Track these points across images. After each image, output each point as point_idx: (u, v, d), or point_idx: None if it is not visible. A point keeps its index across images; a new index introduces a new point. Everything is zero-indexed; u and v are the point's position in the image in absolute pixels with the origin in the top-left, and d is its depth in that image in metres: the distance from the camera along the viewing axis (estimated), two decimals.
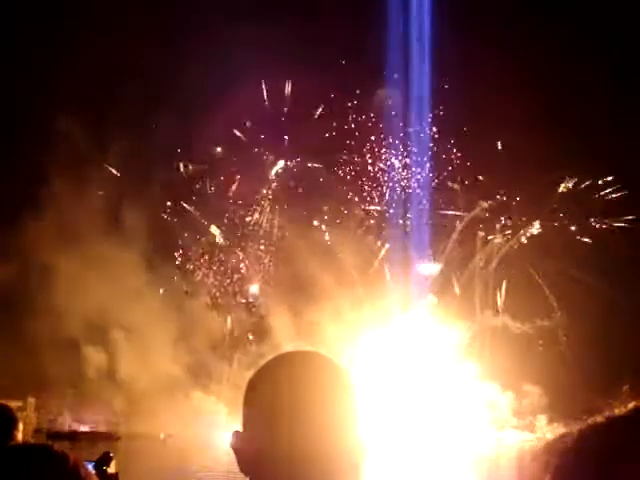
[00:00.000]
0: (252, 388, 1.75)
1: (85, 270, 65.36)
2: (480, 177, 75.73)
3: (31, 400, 64.45)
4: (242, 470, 1.72)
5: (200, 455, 49.65)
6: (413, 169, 77.28)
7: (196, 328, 70.39)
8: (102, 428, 62.76)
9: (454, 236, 76.95)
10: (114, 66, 67.31)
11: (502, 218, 76.62)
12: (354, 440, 1.70)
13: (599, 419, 1.45)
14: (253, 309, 75.56)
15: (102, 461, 8.32)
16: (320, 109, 76.05)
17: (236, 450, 1.72)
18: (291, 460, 1.64)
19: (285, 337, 70.64)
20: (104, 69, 67.59)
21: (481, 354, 73.53)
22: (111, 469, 9.31)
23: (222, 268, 76.54)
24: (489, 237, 77.14)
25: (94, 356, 66.69)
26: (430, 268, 76.04)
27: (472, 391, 70.64)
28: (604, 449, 1.40)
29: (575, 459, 1.42)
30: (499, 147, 74.98)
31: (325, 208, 76.02)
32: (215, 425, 65.16)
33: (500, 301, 76.01)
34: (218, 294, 75.46)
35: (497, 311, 75.42)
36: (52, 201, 66.63)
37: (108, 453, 9.26)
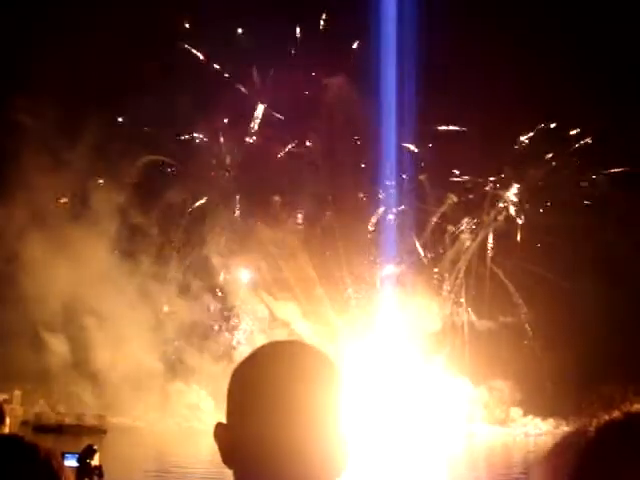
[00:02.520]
0: (235, 379, 1.72)
1: (57, 259, 64.72)
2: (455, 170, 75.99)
3: (17, 393, 64.16)
4: (225, 462, 1.69)
5: (183, 447, 49.64)
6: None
7: (167, 317, 69.69)
8: (88, 421, 62.47)
9: (426, 233, 77.38)
10: (85, 47, 66.72)
11: (465, 219, 77.04)
12: (340, 431, 1.67)
13: (616, 415, 1.34)
14: (222, 296, 75.02)
15: (85, 454, 8.54)
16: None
17: (219, 442, 1.69)
18: (276, 452, 1.61)
19: (257, 326, 70.80)
20: (75, 50, 66.86)
21: (451, 349, 73.98)
22: (95, 461, 9.51)
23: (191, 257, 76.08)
24: (458, 232, 77.53)
25: (69, 347, 66.27)
26: (392, 268, 76.04)
27: (443, 386, 70.61)
28: (629, 447, 1.30)
29: (597, 458, 1.30)
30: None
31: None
32: (197, 416, 65.13)
33: (464, 298, 76.47)
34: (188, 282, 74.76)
35: (461, 308, 76.00)
36: (20, 187, 65.92)
37: (91, 446, 9.46)
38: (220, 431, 1.70)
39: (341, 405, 1.68)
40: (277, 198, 75.66)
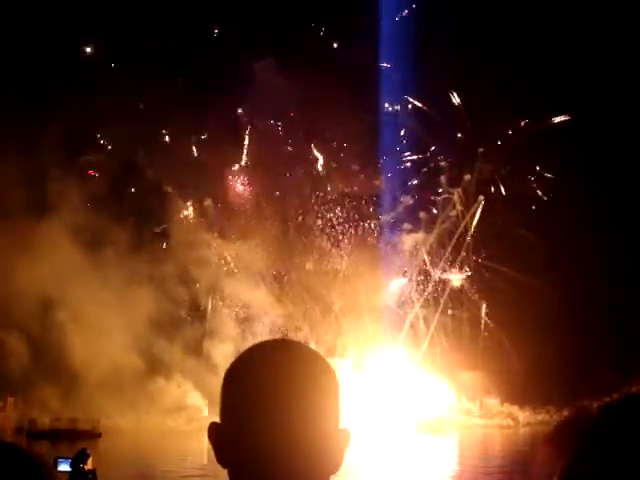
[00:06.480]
0: (229, 378, 1.72)
1: (28, 255, 64.12)
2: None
3: (11, 399, 64.14)
4: (220, 463, 1.70)
5: (169, 446, 49.71)
6: None
7: (138, 310, 68.92)
8: (82, 425, 62.45)
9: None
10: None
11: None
12: (335, 429, 1.70)
13: (616, 396, 1.39)
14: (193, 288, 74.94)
15: (79, 458, 8.88)
16: None
17: (213, 442, 1.70)
18: (271, 452, 1.62)
19: (227, 318, 70.89)
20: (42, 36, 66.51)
21: (411, 344, 74.60)
22: (88, 466, 9.90)
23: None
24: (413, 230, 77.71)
25: (42, 348, 65.55)
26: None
27: (411, 379, 70.54)
28: (630, 426, 1.33)
29: (598, 437, 1.34)
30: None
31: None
32: (184, 412, 65.00)
33: (415, 296, 77.09)
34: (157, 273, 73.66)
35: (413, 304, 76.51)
36: None
37: (84, 450, 9.84)
38: (214, 431, 1.71)
39: (334, 403, 1.71)
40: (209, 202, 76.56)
